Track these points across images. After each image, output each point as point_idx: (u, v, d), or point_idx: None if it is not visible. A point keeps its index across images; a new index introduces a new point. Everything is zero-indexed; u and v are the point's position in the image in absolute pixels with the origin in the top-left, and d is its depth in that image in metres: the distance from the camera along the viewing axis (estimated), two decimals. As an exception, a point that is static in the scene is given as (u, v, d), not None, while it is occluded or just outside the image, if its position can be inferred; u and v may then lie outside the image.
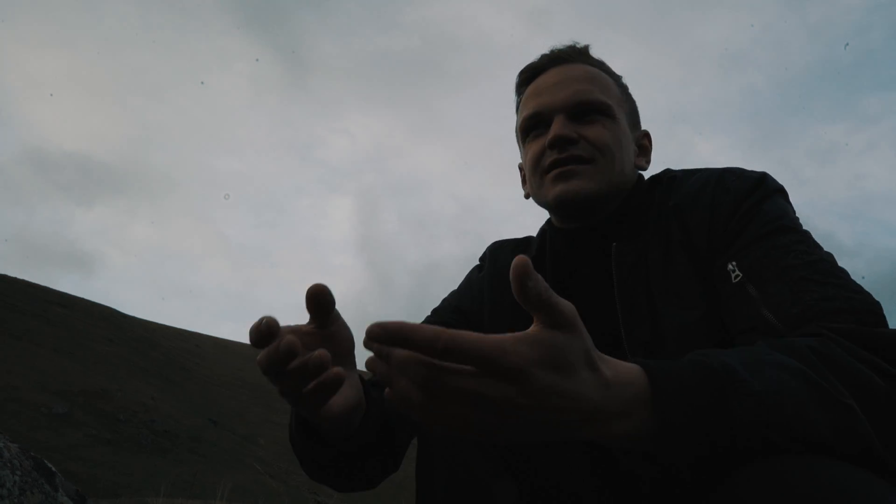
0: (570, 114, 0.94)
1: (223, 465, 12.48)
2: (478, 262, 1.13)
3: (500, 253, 1.08)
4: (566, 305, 0.50)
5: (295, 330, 0.70)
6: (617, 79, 1.02)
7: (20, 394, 11.71)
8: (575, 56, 1.00)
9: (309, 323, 0.71)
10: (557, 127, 0.92)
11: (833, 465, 0.52)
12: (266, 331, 0.61)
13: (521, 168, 1.08)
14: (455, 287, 1.13)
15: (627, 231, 0.93)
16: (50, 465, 2.78)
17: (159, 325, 27.56)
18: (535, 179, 0.97)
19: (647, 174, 1.02)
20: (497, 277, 1.05)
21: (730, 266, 0.80)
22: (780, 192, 0.87)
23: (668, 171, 0.99)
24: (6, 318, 15.99)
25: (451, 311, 1.07)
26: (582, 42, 1.03)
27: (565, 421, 0.50)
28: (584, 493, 0.76)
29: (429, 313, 1.10)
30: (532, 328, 0.50)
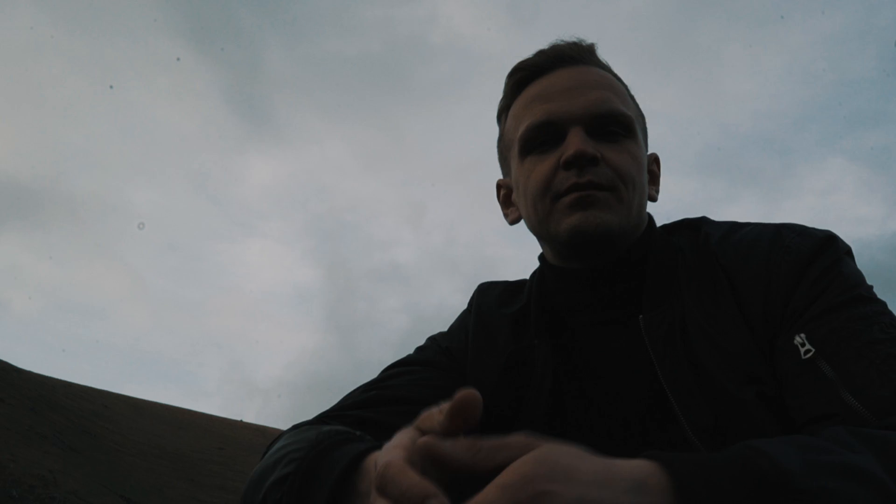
0: (589, 127, 0.83)
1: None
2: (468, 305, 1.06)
3: (485, 298, 1.01)
4: (516, 444, 0.45)
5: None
6: (628, 88, 0.92)
7: None
8: (584, 56, 0.88)
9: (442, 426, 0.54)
10: (577, 141, 0.80)
11: None
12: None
13: (500, 186, 0.99)
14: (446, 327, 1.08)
15: (651, 290, 0.83)
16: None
17: (60, 381, 24.64)
18: (543, 205, 0.85)
19: (654, 212, 0.96)
20: (480, 323, 0.97)
21: (797, 339, 0.72)
22: (849, 253, 0.80)
23: (704, 219, 0.92)
24: None
25: (437, 350, 0.97)
26: (588, 40, 0.91)
27: None
28: None
29: (411, 352, 1.00)
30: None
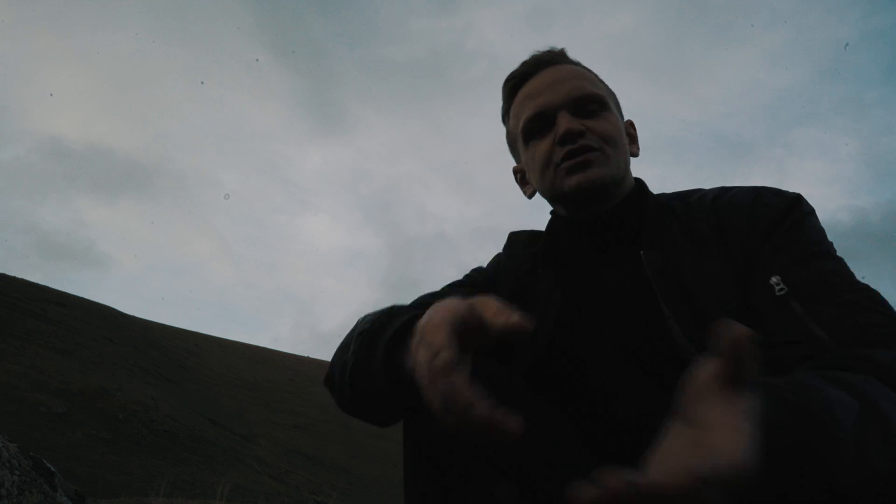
0: (572, 109, 0.98)
1: (223, 465, 12.47)
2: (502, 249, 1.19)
3: (514, 242, 1.13)
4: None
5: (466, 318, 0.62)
6: (598, 75, 1.08)
7: (19, 393, 11.67)
8: (558, 58, 1.05)
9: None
10: (565, 122, 0.96)
11: None
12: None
13: (516, 171, 1.14)
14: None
15: (649, 233, 0.95)
16: (49, 464, 2.74)
17: (159, 324, 27.46)
18: (548, 174, 1.00)
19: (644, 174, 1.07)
20: (509, 260, 1.10)
21: (773, 279, 0.82)
22: (814, 214, 0.91)
23: (698, 189, 1.04)
24: (5, 316, 15.94)
25: (481, 278, 1.11)
26: (558, 46, 1.08)
27: None
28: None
29: (459, 278, 1.14)
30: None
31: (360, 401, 0.85)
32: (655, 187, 1.07)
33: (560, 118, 0.98)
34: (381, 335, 0.79)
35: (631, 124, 1.10)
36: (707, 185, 1.04)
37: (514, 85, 1.06)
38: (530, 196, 1.10)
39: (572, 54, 1.08)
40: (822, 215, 0.92)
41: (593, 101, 1.00)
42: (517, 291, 1.02)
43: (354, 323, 0.93)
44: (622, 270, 0.94)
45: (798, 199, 0.91)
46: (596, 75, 1.07)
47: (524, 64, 1.06)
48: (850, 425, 0.54)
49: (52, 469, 2.63)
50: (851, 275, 0.82)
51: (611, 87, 1.09)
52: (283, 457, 15.54)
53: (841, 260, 0.85)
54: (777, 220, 0.88)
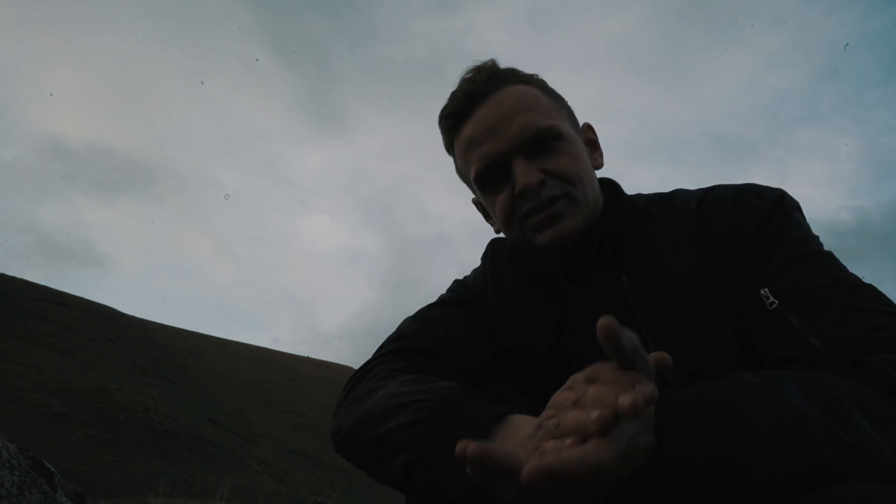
0: (526, 152, 0.88)
1: (223, 465, 12.49)
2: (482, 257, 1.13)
3: (497, 254, 1.05)
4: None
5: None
6: (537, 84, 0.95)
7: (19, 393, 11.69)
8: (493, 83, 0.92)
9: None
10: (521, 174, 0.87)
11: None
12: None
13: (478, 203, 1.04)
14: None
15: (630, 254, 0.89)
16: (49, 464, 2.75)
17: (159, 324, 27.51)
18: (514, 228, 0.92)
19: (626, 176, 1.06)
20: (495, 276, 1.02)
21: (762, 292, 0.78)
22: (798, 209, 0.86)
23: (678, 190, 0.97)
24: (5, 316, 15.95)
25: (469, 294, 1.04)
26: (485, 58, 0.96)
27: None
28: None
29: (444, 292, 1.07)
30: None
31: (413, 498, 0.73)
32: (655, 187, 0.99)
33: (515, 168, 0.88)
34: (453, 429, 0.66)
35: (589, 128, 1.01)
36: (707, 186, 0.96)
37: (451, 126, 0.95)
38: (498, 231, 1.01)
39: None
40: (823, 215, 0.93)
41: (546, 135, 0.89)
42: (510, 315, 0.97)
43: (367, 381, 0.87)
44: (606, 295, 0.88)
45: (781, 197, 0.86)
46: (538, 89, 0.94)
47: (455, 99, 0.94)
48: (778, 419, 0.56)
49: (52, 469, 2.64)
50: (843, 273, 0.77)
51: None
52: (283, 457, 15.56)
53: (830, 256, 0.81)
54: (761, 224, 0.83)
